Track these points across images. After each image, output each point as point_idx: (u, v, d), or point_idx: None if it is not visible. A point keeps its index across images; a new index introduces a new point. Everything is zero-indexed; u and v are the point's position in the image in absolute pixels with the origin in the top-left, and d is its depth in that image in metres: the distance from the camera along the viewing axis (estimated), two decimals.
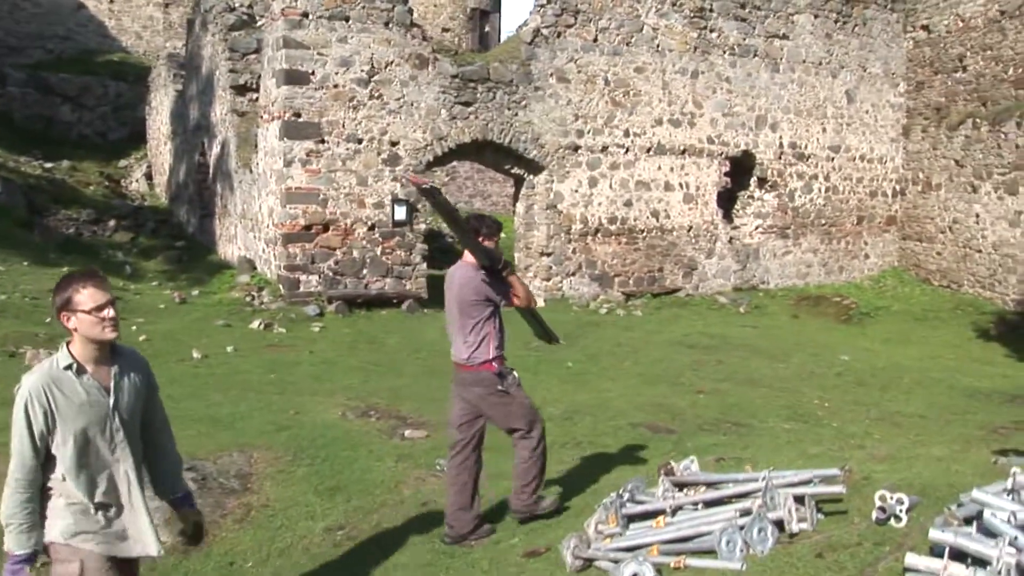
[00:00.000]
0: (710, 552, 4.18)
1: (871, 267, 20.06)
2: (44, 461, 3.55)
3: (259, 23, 17.16)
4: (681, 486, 4.85)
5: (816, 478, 4.67)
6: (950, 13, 18.83)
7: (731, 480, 4.79)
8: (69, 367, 3.58)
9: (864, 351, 14.28)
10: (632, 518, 4.61)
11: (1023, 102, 17.06)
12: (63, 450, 3.54)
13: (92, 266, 4.37)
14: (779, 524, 4.34)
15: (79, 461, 3.57)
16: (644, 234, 17.37)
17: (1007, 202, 17.31)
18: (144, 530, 3.70)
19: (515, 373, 5.72)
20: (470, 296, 5.59)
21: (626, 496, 4.76)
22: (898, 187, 20.19)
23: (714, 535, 4.18)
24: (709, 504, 4.59)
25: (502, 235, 6.12)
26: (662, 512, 4.54)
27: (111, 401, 3.62)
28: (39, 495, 3.56)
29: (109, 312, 3.59)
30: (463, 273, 5.70)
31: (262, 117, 15.67)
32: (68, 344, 3.63)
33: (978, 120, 17.93)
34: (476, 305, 5.59)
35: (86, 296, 3.55)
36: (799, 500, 4.48)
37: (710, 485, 4.80)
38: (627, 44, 16.85)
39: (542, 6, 16.29)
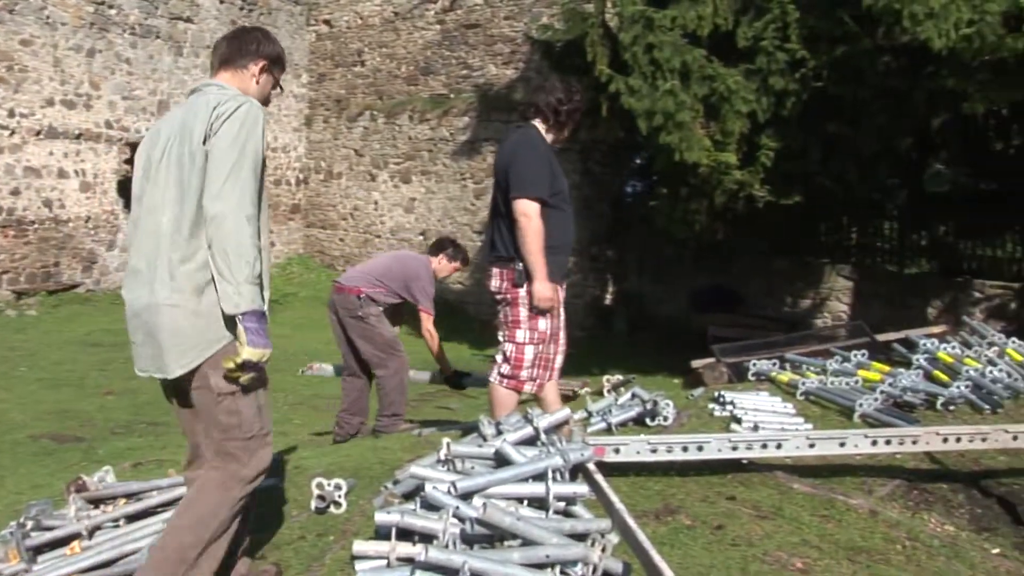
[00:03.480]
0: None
1: (277, 255, 20.24)
2: None
3: None
4: (97, 502, 4.19)
5: None
6: (350, 10, 19.68)
7: (155, 488, 4.27)
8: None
9: (278, 337, 14.31)
10: (39, 549, 3.84)
11: (415, 97, 18.44)
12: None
13: None
14: None
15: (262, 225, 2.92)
16: (36, 226, 15.53)
17: (402, 190, 18.59)
18: None
19: (381, 309, 6.18)
20: (408, 273, 6.25)
21: (29, 524, 3.94)
22: (301, 176, 20.66)
23: (142, 553, 3.65)
24: (133, 518, 4.03)
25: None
26: (77, 536, 3.86)
27: None
28: None
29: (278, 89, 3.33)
30: (420, 260, 6.44)
31: None
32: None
33: (375, 113, 19.01)
34: (397, 283, 6.21)
35: (282, 67, 3.28)
36: None
37: (131, 496, 4.23)
38: (11, 12, 14.88)
39: None
